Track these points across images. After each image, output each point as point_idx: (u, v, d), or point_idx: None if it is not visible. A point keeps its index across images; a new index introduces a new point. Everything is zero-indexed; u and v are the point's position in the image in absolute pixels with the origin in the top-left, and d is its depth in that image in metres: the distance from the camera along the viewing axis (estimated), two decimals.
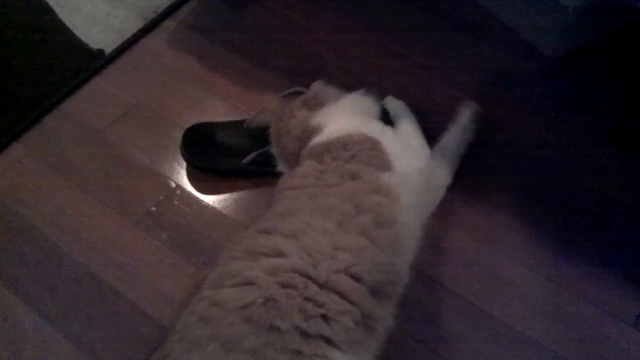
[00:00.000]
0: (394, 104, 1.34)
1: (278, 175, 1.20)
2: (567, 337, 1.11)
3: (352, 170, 1.00)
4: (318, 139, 1.10)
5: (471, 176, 1.30)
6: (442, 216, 1.24)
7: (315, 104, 1.17)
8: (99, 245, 1.28)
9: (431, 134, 1.26)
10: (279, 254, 0.87)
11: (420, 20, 1.61)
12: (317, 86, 1.20)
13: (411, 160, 1.09)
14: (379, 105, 1.22)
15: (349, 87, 1.22)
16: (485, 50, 1.54)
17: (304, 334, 0.80)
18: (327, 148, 1.06)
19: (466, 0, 1.63)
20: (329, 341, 0.81)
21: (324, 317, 0.82)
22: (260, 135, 1.26)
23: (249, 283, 0.84)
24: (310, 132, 1.12)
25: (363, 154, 1.03)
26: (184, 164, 1.39)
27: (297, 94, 1.24)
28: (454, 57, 1.53)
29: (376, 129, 1.11)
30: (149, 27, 1.66)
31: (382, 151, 1.05)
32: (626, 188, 1.28)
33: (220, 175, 1.36)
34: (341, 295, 0.85)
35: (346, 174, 1.00)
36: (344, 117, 1.13)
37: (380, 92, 1.24)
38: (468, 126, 1.30)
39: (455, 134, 1.29)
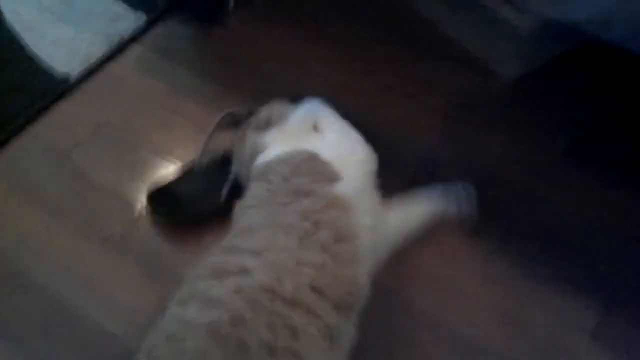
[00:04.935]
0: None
1: None
2: (528, 347, 1.15)
3: (301, 185, 1.01)
4: (261, 159, 1.12)
5: None
6: None
7: (266, 125, 1.19)
8: (66, 267, 1.28)
9: (400, 157, 1.29)
10: (244, 271, 0.89)
11: (385, 45, 1.65)
12: (270, 109, 1.21)
13: (350, 156, 1.08)
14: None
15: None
16: (446, 73, 1.59)
17: (272, 349, 0.81)
18: (269, 167, 1.07)
19: (428, 27, 1.68)
20: (296, 354, 0.83)
21: (290, 331, 0.84)
22: (215, 172, 1.29)
23: (216, 301, 0.85)
24: (256, 152, 1.14)
25: (304, 164, 1.05)
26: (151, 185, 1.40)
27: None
28: (418, 80, 1.57)
29: (311, 143, 1.10)
30: (115, 51, 1.67)
31: (321, 161, 1.05)
32: (582, 202, 1.33)
33: (205, 221, 1.32)
34: (305, 308, 0.87)
35: (298, 190, 1.01)
36: (285, 137, 1.14)
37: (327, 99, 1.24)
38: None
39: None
